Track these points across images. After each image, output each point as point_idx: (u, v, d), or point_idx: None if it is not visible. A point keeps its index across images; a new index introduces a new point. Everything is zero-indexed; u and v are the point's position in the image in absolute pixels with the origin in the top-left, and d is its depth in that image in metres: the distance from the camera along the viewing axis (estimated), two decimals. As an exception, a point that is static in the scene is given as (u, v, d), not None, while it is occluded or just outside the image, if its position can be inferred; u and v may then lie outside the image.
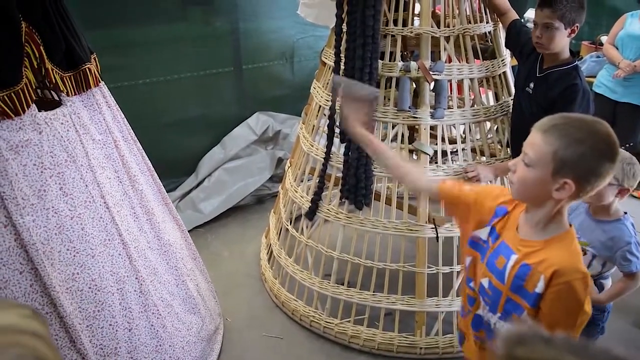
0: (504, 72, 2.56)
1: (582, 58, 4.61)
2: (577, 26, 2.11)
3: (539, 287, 1.25)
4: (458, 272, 2.47)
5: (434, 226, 2.40)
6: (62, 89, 1.85)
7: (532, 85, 2.26)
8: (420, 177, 1.62)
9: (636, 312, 2.70)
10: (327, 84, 2.63)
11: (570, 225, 1.30)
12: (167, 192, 2.74)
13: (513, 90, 2.52)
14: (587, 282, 1.24)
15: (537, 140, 1.22)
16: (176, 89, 3.35)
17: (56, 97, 1.93)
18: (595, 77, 3.92)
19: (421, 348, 2.46)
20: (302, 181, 2.79)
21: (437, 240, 2.41)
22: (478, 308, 1.46)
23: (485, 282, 1.39)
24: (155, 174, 2.31)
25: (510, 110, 2.49)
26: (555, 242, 1.27)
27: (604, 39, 4.15)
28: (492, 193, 1.44)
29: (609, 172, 1.19)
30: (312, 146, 2.69)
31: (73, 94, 1.89)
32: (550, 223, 1.28)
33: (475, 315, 1.47)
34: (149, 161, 2.27)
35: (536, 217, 1.29)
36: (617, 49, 3.64)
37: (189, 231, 3.11)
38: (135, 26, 3.24)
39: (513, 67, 2.63)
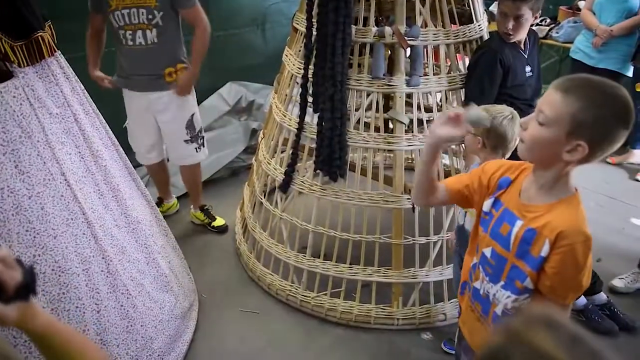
0: (481, 37, 2.49)
1: (559, 23, 4.56)
2: (540, 12, 2.25)
3: (544, 251, 1.24)
4: (434, 243, 2.45)
5: (410, 197, 2.36)
6: (12, 59, 1.73)
7: (528, 68, 2.34)
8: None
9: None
10: (300, 51, 2.53)
11: (576, 190, 1.28)
12: (136, 167, 2.64)
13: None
14: (589, 245, 1.23)
15: (555, 99, 1.19)
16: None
17: (7, 69, 1.79)
18: (572, 42, 3.88)
19: (398, 319, 2.45)
20: (275, 153, 2.72)
21: (414, 211, 2.38)
22: (476, 280, 1.45)
23: (487, 251, 1.38)
24: (121, 149, 2.21)
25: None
26: (560, 205, 1.25)
27: (581, 4, 4.10)
28: (489, 170, 1.41)
29: (622, 139, 1.18)
30: (285, 116, 2.61)
31: (25, 64, 1.77)
32: (555, 186, 1.26)
33: (473, 288, 1.46)
34: (113, 135, 2.17)
35: (542, 180, 1.27)
36: (595, 13, 3.60)
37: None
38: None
39: (490, 33, 2.56)
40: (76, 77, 2.02)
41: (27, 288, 0.74)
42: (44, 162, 1.77)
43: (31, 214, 1.73)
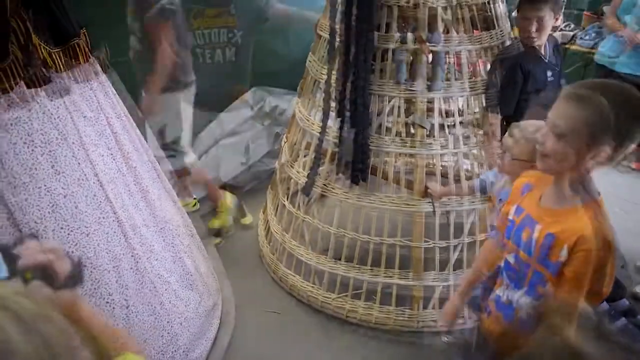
0: (503, 43, 2.51)
1: (584, 29, 4.52)
2: (560, 14, 2.29)
3: (562, 256, 1.25)
4: (455, 247, 2.47)
5: (430, 200, 2.38)
6: (50, 65, 1.81)
7: (549, 73, 2.34)
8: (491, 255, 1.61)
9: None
10: (323, 57, 2.58)
11: (599, 194, 1.29)
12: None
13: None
14: (609, 251, 1.23)
15: (567, 111, 1.21)
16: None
17: (45, 74, 1.88)
18: (597, 48, 3.84)
19: (418, 322, 2.47)
20: (298, 156, 2.77)
21: (434, 214, 2.40)
22: (497, 288, 1.47)
23: (511, 257, 1.39)
24: (150, 151, 2.28)
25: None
26: (580, 210, 1.26)
27: (606, 9, 4.06)
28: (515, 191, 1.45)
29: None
30: (308, 121, 2.66)
31: (62, 70, 1.85)
32: (575, 191, 1.27)
33: (496, 295, 1.48)
34: (142, 138, 2.24)
35: (563, 185, 1.28)
36: (619, 19, 3.57)
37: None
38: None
39: (511, 39, 2.57)
40: (109, 82, 2.09)
41: (75, 278, 0.80)
42: (79, 163, 1.85)
43: (66, 212, 1.80)
